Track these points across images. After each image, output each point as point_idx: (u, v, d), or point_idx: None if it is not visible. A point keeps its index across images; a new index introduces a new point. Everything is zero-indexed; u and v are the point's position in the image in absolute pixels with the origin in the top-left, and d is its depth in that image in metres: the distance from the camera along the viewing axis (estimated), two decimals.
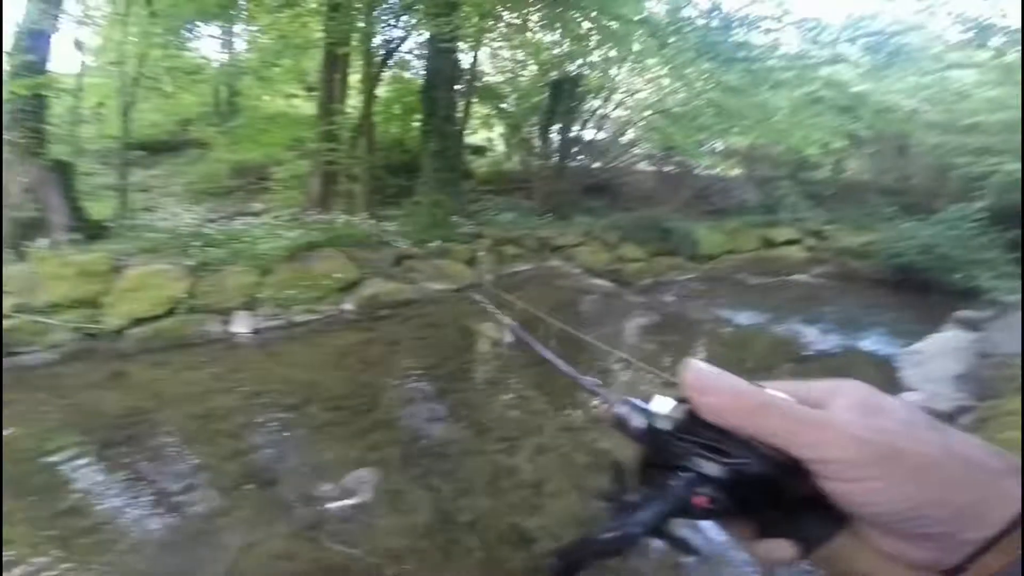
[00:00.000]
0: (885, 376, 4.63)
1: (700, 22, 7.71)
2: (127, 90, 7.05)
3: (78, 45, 7.19)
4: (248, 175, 9.40)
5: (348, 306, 5.84)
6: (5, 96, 6.09)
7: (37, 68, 6.12)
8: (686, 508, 0.30)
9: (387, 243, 6.81)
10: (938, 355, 5.05)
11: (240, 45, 10.13)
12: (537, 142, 10.25)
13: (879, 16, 9.96)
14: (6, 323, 4.58)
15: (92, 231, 6.05)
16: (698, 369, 0.32)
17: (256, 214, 8.04)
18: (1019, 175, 8.16)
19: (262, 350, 4.96)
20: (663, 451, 0.32)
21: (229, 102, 9.93)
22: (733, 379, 0.31)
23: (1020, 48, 7.98)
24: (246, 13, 8.67)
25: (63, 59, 7.08)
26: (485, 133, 11.89)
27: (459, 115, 8.89)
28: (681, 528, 0.31)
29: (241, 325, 5.25)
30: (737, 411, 0.30)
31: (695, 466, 0.31)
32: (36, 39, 6.16)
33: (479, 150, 12.14)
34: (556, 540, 2.49)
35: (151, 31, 7.14)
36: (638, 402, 0.34)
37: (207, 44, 10.56)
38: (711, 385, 0.31)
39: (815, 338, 5.75)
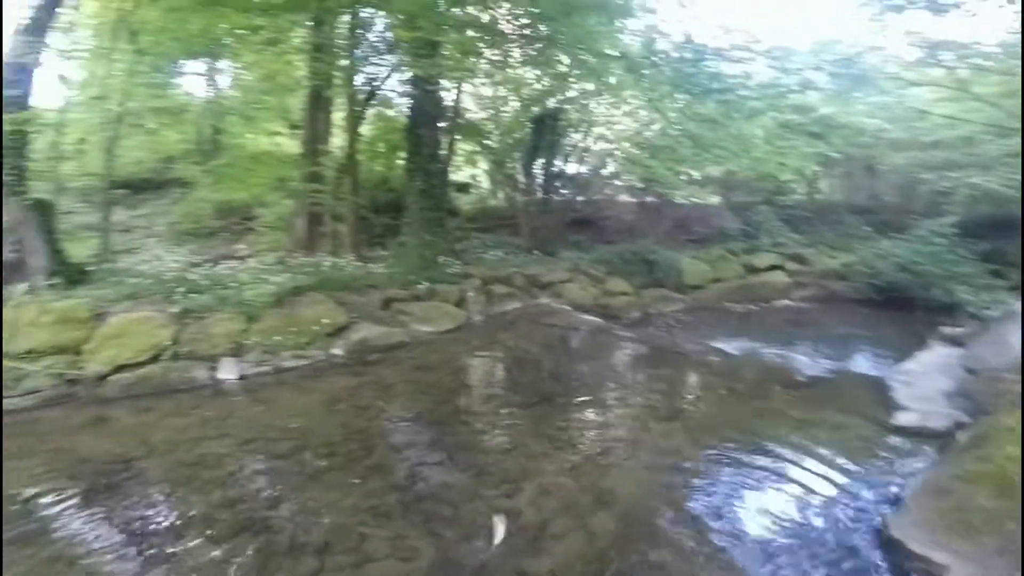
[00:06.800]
0: (878, 397, 4.66)
1: (675, 55, 7.90)
2: (110, 126, 6.94)
3: (62, 79, 7.07)
4: (232, 215, 9.33)
5: (337, 351, 5.70)
6: None
7: (20, 103, 5.98)
8: None
9: (374, 286, 6.67)
10: (927, 373, 5.13)
11: (223, 82, 10.20)
12: (521, 177, 10.36)
13: (842, 40, 10.11)
14: None
15: (72, 275, 5.87)
16: None
17: (241, 258, 7.92)
18: (983, 188, 8.46)
19: (250, 396, 4.79)
20: None
21: (213, 140, 9.85)
22: None
23: (972, 63, 8.28)
24: (230, 51, 8.64)
25: (45, 93, 6.90)
26: (469, 170, 12.02)
27: (443, 152, 8.89)
28: None
29: (228, 371, 5.10)
30: None
31: None
32: (19, 73, 6.03)
33: (464, 187, 12.26)
34: None
35: (136, 68, 7.08)
36: None
37: (191, 81, 10.59)
38: None
39: (805, 363, 5.78)
